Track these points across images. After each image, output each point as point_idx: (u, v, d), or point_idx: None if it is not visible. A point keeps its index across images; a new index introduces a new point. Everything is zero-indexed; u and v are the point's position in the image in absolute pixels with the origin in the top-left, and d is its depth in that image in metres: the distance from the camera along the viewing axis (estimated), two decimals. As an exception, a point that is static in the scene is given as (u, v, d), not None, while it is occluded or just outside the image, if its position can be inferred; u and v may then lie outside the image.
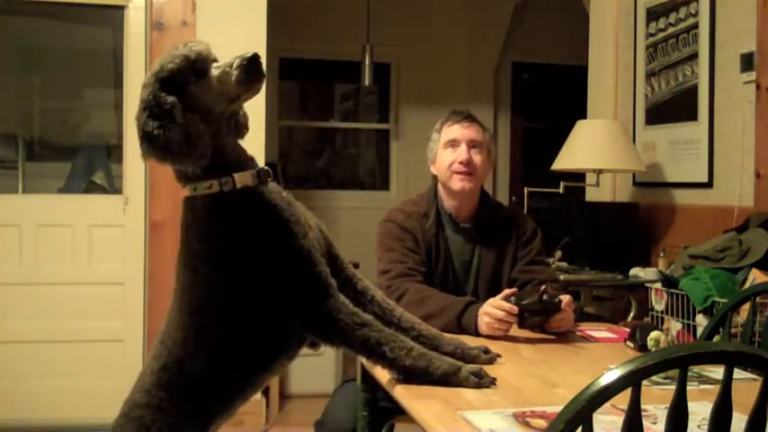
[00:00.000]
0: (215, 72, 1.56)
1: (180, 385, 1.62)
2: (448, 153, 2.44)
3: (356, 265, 1.91)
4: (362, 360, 1.90)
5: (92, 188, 4.26)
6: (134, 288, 3.96)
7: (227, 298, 1.60)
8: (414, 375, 1.61)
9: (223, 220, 1.59)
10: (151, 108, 1.52)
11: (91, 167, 4.32)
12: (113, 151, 4.26)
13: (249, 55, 1.52)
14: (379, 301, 1.78)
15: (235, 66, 1.53)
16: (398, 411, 1.98)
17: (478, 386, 1.59)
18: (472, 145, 2.44)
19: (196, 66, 1.55)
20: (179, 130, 1.51)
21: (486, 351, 1.81)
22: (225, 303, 1.60)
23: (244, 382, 1.67)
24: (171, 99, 1.52)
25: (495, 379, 1.64)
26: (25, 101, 4.48)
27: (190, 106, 1.54)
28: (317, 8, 6.15)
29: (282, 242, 1.59)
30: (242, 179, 1.60)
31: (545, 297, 2.10)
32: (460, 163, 2.41)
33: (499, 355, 1.82)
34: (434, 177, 2.52)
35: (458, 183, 2.42)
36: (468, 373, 1.61)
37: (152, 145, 1.52)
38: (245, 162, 1.64)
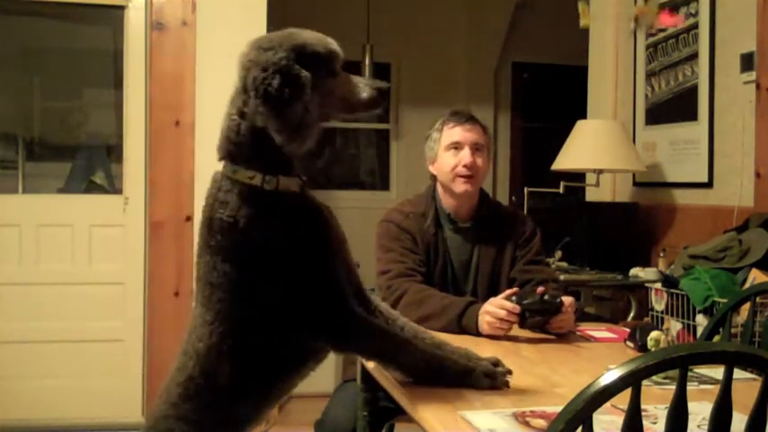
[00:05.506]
0: (346, 78, 1.56)
1: (207, 395, 1.59)
2: (450, 156, 2.43)
3: (356, 266, 1.90)
4: (363, 362, 1.90)
5: (92, 188, 4.25)
6: (134, 288, 3.95)
7: (249, 304, 1.54)
8: (428, 379, 1.60)
9: (255, 216, 1.53)
10: (283, 73, 1.46)
11: (91, 167, 4.31)
12: (113, 151, 4.25)
13: (385, 86, 1.57)
14: (383, 311, 1.76)
15: (371, 85, 1.56)
16: (398, 411, 1.98)
17: (492, 387, 1.59)
18: (476, 148, 2.43)
19: (333, 63, 1.54)
20: (302, 104, 1.47)
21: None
22: (246, 311, 1.55)
23: (271, 389, 1.65)
24: (305, 73, 1.48)
25: (508, 374, 1.62)
26: (25, 101, 4.49)
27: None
28: (317, 8, 6.14)
29: (312, 253, 1.54)
30: (286, 183, 1.55)
31: (546, 297, 2.10)
32: (465, 166, 2.40)
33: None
34: (433, 177, 2.52)
35: (461, 186, 2.41)
36: (481, 374, 1.60)
37: (273, 108, 1.45)
38: (293, 167, 1.59)
